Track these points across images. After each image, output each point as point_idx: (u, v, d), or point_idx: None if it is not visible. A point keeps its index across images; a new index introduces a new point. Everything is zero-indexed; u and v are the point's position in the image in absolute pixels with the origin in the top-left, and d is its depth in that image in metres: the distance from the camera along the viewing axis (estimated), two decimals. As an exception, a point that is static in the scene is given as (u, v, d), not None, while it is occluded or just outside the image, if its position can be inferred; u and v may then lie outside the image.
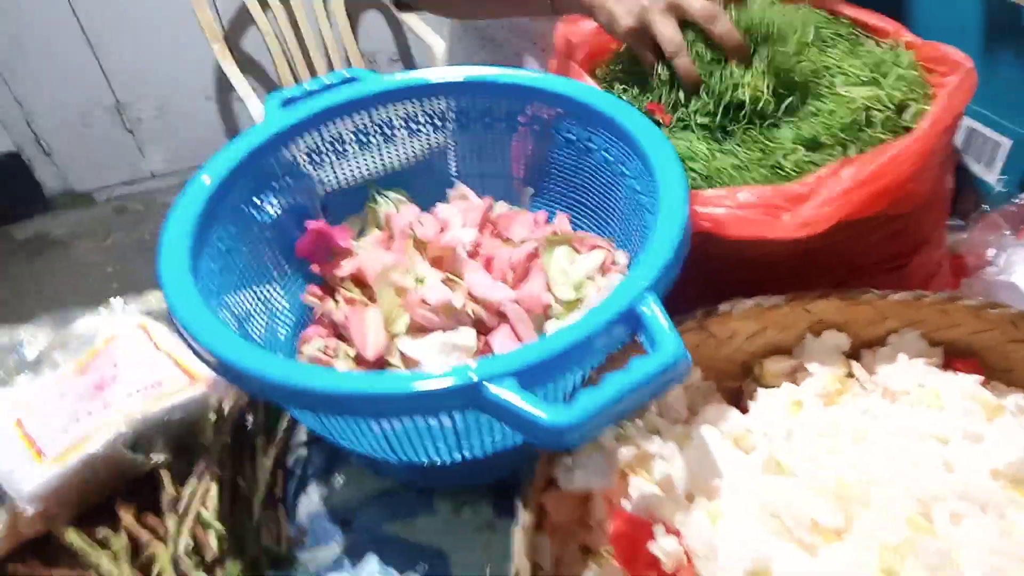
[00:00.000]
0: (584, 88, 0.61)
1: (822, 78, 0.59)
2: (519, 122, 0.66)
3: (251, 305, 0.59)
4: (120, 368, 0.56)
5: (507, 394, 0.39)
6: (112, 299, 0.69)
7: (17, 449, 0.53)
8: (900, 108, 0.56)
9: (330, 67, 2.11)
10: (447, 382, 0.39)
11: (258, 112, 1.70)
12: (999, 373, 0.51)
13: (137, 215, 2.43)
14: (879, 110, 0.55)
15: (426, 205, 0.68)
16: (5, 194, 2.32)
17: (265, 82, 2.32)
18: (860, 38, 0.64)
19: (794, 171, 0.54)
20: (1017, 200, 0.59)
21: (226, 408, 0.62)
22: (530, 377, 0.40)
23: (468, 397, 0.40)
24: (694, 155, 0.56)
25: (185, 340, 0.45)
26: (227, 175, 0.56)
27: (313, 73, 2.08)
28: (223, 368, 0.42)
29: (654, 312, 0.42)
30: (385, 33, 2.37)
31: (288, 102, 0.64)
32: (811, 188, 0.51)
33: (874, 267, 0.57)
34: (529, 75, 0.63)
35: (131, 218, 2.42)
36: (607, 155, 0.61)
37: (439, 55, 1.94)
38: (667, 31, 0.58)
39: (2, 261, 2.27)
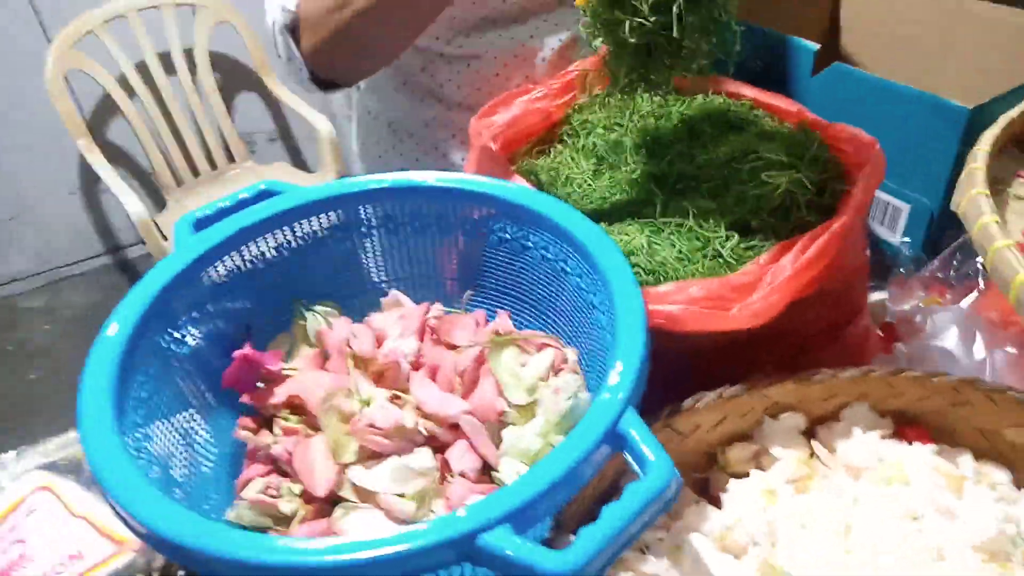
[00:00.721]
0: (516, 188, 0.60)
1: (742, 162, 0.61)
2: (449, 223, 0.64)
3: (181, 451, 0.53)
4: (29, 546, 0.49)
5: (504, 543, 0.36)
6: (2, 454, 0.61)
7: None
8: (819, 189, 0.59)
9: (206, 151, 2.03)
10: (435, 536, 0.36)
11: (133, 208, 1.60)
12: (944, 435, 0.53)
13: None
14: (802, 193, 0.57)
15: (357, 316, 0.65)
16: None
17: (137, 172, 2.20)
18: (766, 119, 0.68)
19: (732, 258, 0.55)
20: (930, 267, 0.63)
21: (157, 567, 0.55)
22: (524, 520, 0.37)
23: (460, 551, 0.37)
24: (635, 249, 0.56)
25: (123, 519, 0.39)
26: (139, 319, 0.51)
27: (188, 159, 1.99)
28: (178, 553, 0.37)
29: (639, 431, 0.40)
30: (262, 112, 2.31)
31: (200, 224, 0.60)
32: (756, 276, 0.52)
33: (814, 339, 0.59)
34: (456, 178, 0.62)
35: (-10, 326, 2.20)
36: (546, 253, 0.60)
37: (325, 134, 1.90)
38: None
39: None
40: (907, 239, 0.70)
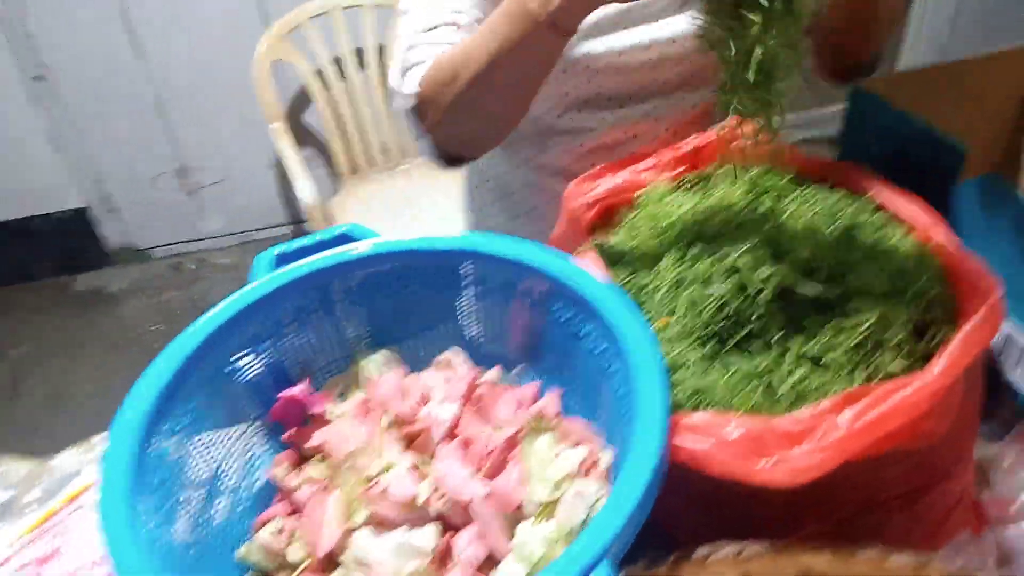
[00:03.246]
0: (575, 271, 0.58)
1: (838, 280, 0.54)
2: (514, 292, 0.63)
3: (213, 481, 0.56)
4: (69, 538, 0.54)
5: None
6: (94, 438, 0.68)
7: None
8: (919, 329, 0.51)
9: (382, 144, 2.14)
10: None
11: (303, 193, 1.73)
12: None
13: (191, 274, 2.49)
14: (893, 332, 0.49)
15: (417, 362, 0.65)
16: (70, 247, 2.43)
17: (322, 156, 2.38)
18: (886, 226, 0.59)
19: (789, 396, 0.49)
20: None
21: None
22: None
23: None
24: (684, 363, 0.52)
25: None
26: (199, 345, 0.55)
27: (367, 150, 2.12)
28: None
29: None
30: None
31: (281, 259, 0.63)
32: (806, 426, 0.46)
33: (883, 503, 0.51)
34: (525, 249, 0.60)
35: (185, 277, 2.48)
36: (596, 346, 0.57)
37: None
38: None
39: (58, 312, 2.36)
40: (1045, 393, 0.59)
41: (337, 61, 2.03)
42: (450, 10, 0.75)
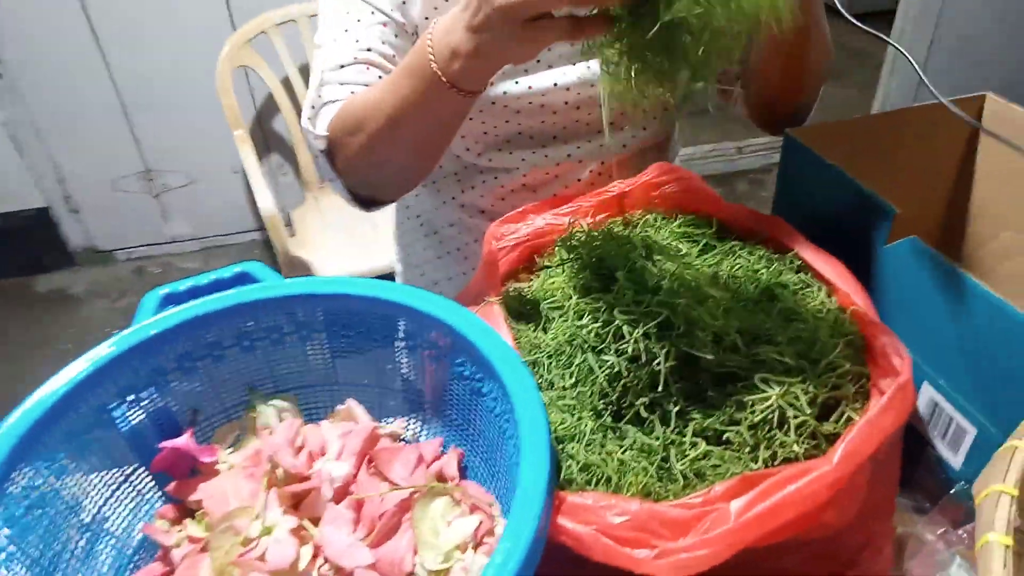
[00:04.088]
0: (480, 326, 0.54)
1: (747, 348, 0.51)
2: (416, 343, 0.60)
3: (96, 524, 0.53)
4: None
5: None
6: None
7: None
8: (826, 407, 0.48)
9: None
10: None
11: (263, 203, 1.69)
12: None
13: (154, 278, 2.44)
14: (796, 412, 0.46)
15: (318, 414, 0.62)
16: (32, 248, 2.37)
17: (290, 164, 2.34)
18: (806, 288, 0.57)
19: (685, 475, 0.46)
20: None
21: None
22: None
23: None
24: (576, 435, 0.48)
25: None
26: (69, 391, 0.51)
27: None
28: None
29: None
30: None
31: (169, 299, 0.59)
32: (696, 514, 0.43)
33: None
34: (426, 299, 0.57)
35: (148, 280, 2.43)
36: (495, 407, 0.53)
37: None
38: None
39: (17, 313, 2.31)
40: (967, 467, 0.55)
41: (303, 71, 1.99)
42: (360, 48, 0.72)
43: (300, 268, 1.76)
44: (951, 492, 0.58)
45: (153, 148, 2.28)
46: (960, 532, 0.54)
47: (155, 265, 2.49)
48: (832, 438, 0.47)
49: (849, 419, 0.47)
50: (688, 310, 0.48)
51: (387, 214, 1.90)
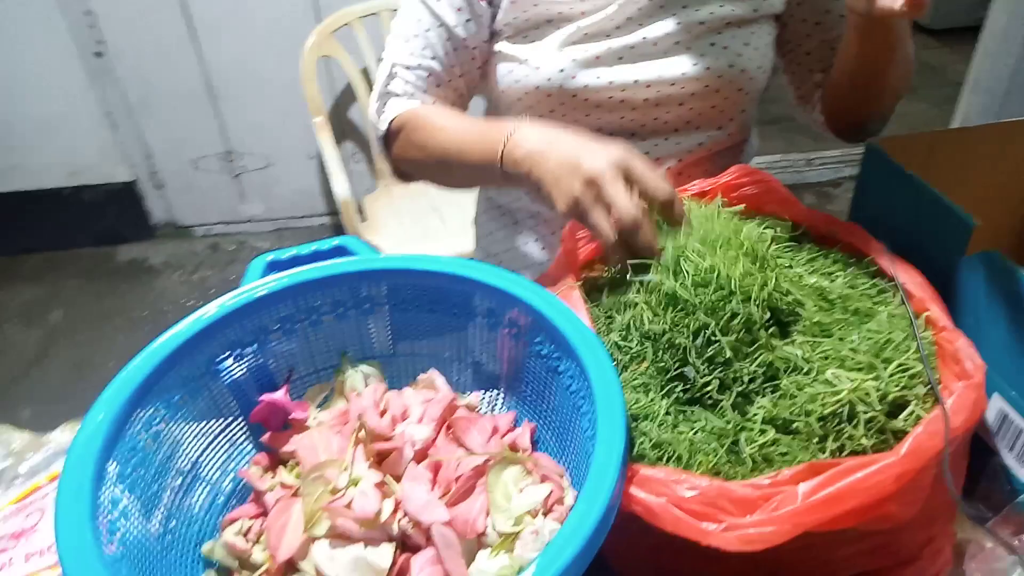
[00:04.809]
0: (560, 308, 0.57)
1: (819, 345, 0.53)
2: (501, 321, 0.63)
3: (194, 470, 0.58)
4: (47, 516, 0.56)
5: None
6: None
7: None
8: (896, 405, 0.49)
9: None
10: None
11: (338, 188, 1.75)
12: None
13: (228, 255, 2.55)
14: (867, 407, 0.48)
15: (399, 380, 0.66)
16: (117, 220, 2.50)
17: (366, 150, 2.41)
18: (881, 293, 0.58)
19: (753, 459, 0.48)
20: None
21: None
22: None
23: None
24: (649, 414, 0.51)
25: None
26: (183, 343, 0.56)
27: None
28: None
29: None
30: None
31: (273, 266, 0.64)
32: (762, 494, 0.45)
33: (842, 578, 0.50)
34: (512, 280, 0.60)
35: (223, 257, 2.54)
36: (571, 385, 0.57)
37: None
38: (603, 222, 0.57)
39: (97, 281, 2.43)
40: (1034, 482, 0.56)
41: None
42: (428, 56, 0.81)
43: (369, 253, 1.82)
44: (1016, 500, 0.58)
45: (235, 131, 2.38)
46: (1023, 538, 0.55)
47: (230, 242, 2.60)
48: (900, 435, 0.48)
49: (918, 418, 0.48)
50: (774, 294, 0.51)
51: (457, 207, 1.96)
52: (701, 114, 0.79)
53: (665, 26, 0.75)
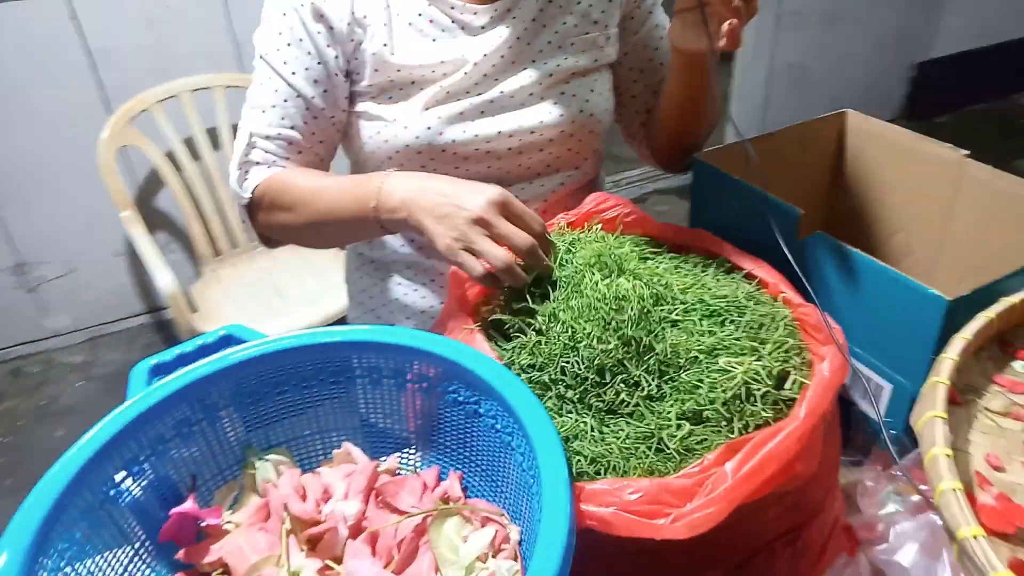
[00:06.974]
0: (469, 352, 0.59)
1: (705, 342, 0.59)
2: (406, 379, 0.64)
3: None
4: None
5: None
6: None
7: None
8: (780, 378, 0.56)
9: (246, 225, 2.08)
10: None
11: (162, 282, 1.65)
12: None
13: (34, 378, 2.28)
14: (759, 385, 0.55)
15: (310, 460, 0.64)
16: None
17: (180, 239, 2.28)
18: (743, 286, 0.66)
19: (679, 452, 0.53)
20: (909, 457, 0.59)
21: None
22: None
23: None
24: (579, 433, 0.54)
25: None
26: (75, 474, 0.51)
27: (229, 232, 2.05)
28: None
29: None
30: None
31: (158, 370, 0.60)
32: (696, 481, 0.49)
33: (769, 544, 0.56)
34: (412, 335, 0.61)
35: (28, 382, 2.27)
36: (495, 423, 0.58)
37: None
38: (490, 250, 0.63)
39: None
40: (888, 419, 0.66)
41: (188, 143, 1.97)
42: (287, 125, 0.82)
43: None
44: (878, 439, 0.68)
45: (26, 239, 2.16)
46: (894, 471, 0.63)
47: (34, 364, 2.33)
48: (790, 403, 0.55)
49: (801, 384, 0.56)
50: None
51: (295, 279, 1.90)
52: (559, 157, 0.85)
53: (519, 79, 0.81)
